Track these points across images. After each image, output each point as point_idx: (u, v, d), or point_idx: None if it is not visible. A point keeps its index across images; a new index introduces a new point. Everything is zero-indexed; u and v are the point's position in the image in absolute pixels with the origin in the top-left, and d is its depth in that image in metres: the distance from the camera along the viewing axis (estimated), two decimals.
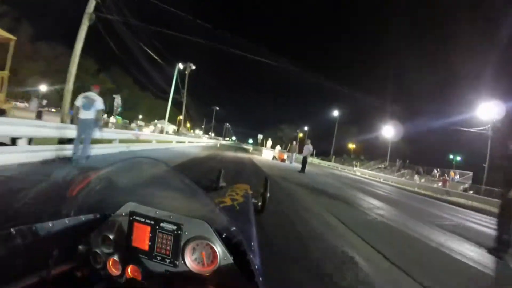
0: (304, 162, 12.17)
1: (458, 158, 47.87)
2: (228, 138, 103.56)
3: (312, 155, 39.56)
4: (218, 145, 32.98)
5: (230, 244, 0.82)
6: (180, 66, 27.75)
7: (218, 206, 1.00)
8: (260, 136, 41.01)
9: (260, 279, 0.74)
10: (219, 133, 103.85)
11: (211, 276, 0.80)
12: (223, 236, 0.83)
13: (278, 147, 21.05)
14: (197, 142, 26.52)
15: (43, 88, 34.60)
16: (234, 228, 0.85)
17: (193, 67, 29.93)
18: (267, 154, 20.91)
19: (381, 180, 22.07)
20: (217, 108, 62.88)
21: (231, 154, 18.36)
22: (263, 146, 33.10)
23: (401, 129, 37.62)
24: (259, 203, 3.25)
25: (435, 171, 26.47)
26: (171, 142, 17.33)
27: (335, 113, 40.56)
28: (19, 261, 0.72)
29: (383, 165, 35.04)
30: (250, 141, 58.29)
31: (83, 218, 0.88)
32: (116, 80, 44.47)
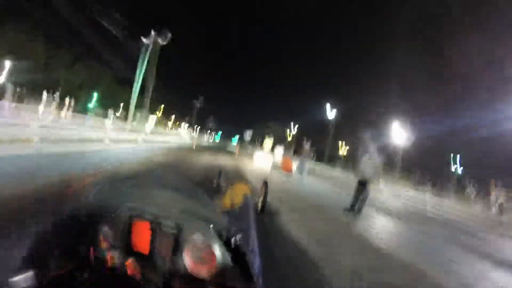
0: (362, 191, 5.37)
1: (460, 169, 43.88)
2: (206, 135, 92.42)
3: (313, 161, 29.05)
4: (194, 147, 23.42)
5: (230, 245, 0.80)
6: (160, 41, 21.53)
7: (218, 206, 1.02)
8: (249, 133, 29.27)
9: (260, 280, 0.71)
10: (204, 127, 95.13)
11: (211, 276, 0.78)
12: (223, 236, 0.81)
13: (280, 150, 14.08)
14: (162, 140, 18.88)
15: None
16: (234, 228, 0.84)
17: (169, 35, 23.22)
18: (262, 160, 13.91)
19: (436, 208, 14.62)
20: (199, 102, 53.92)
21: (203, 163, 11.19)
22: (253, 145, 25.77)
23: (409, 131, 32.29)
24: (259, 204, 3.13)
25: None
26: (101, 141, 9.94)
27: (332, 110, 32.97)
28: (19, 261, 0.71)
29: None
30: (235, 139, 42.16)
31: (83, 218, 0.86)
32: (93, 75, 37.19)
